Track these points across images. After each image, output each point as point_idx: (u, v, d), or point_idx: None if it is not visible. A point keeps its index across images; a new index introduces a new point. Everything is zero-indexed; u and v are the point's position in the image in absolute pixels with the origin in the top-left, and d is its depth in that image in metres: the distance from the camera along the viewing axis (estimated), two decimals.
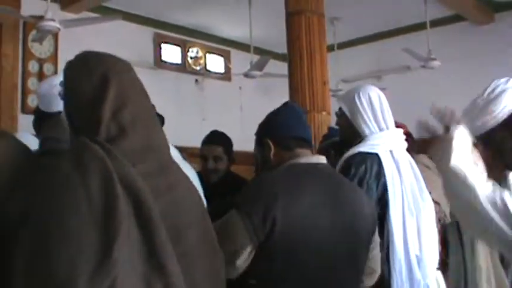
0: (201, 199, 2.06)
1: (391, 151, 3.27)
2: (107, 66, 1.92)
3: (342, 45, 11.32)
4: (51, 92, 2.87)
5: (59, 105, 2.53)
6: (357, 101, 3.32)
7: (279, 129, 2.76)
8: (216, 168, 4.46)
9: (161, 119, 3.90)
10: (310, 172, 2.63)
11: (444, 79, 9.80)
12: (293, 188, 2.50)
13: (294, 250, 2.42)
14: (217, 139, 4.58)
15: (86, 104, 1.87)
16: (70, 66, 2.01)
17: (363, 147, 3.24)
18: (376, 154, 3.21)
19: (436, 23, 10.19)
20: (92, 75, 1.90)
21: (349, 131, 3.39)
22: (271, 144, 2.72)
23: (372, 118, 3.29)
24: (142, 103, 1.94)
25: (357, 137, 3.31)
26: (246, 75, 9.71)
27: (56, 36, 8.63)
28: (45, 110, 2.92)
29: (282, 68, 8.44)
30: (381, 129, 3.30)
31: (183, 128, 9.50)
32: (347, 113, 3.38)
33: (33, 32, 8.03)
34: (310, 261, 2.45)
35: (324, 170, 2.73)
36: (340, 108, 3.45)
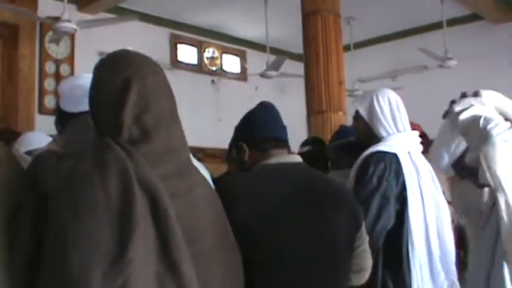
0: (219, 201, 2.05)
1: (408, 152, 3.27)
2: (132, 69, 1.93)
3: (358, 45, 11.29)
4: (74, 92, 2.83)
5: (81, 106, 2.48)
6: (375, 103, 3.32)
7: (253, 131, 2.73)
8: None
9: None
10: (276, 172, 2.56)
11: (461, 78, 9.70)
12: (252, 191, 2.45)
13: (255, 259, 2.24)
14: None
15: (109, 106, 1.89)
16: (99, 66, 2.02)
17: (381, 147, 3.24)
18: (395, 154, 3.21)
19: (452, 22, 10.14)
20: (116, 78, 1.91)
21: (366, 133, 3.38)
22: (245, 147, 2.70)
23: (390, 120, 3.29)
24: (166, 105, 1.96)
25: (374, 138, 3.31)
26: (262, 75, 9.71)
27: (72, 37, 8.65)
28: (67, 110, 2.92)
29: (298, 68, 8.43)
30: (398, 131, 3.30)
31: (200, 128, 9.51)
32: (364, 115, 3.37)
33: (50, 33, 8.06)
34: (272, 266, 2.37)
35: (295, 168, 2.64)
36: (357, 111, 3.44)
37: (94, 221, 1.61)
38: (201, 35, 11.17)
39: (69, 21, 6.92)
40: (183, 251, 1.69)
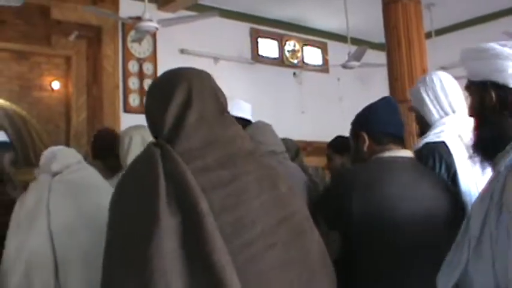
0: (283, 186, 2.07)
1: (459, 136, 3.10)
2: (177, 76, 2.16)
3: (440, 32, 11.06)
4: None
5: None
6: (420, 88, 3.22)
7: (375, 124, 2.88)
8: None
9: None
10: (391, 166, 2.74)
11: None
12: (370, 181, 2.64)
13: (370, 241, 2.57)
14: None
15: (156, 108, 2.10)
16: (154, 82, 2.33)
17: (429, 137, 3.09)
18: (443, 142, 3.05)
19: None
20: (164, 83, 2.16)
21: (421, 123, 3.27)
22: (366, 137, 2.86)
23: (435, 102, 3.14)
24: (210, 105, 2.10)
25: (428, 127, 3.18)
26: (344, 66, 9.63)
27: (154, 35, 8.77)
28: None
29: (380, 57, 8.33)
30: (446, 114, 3.13)
31: (283, 121, 9.48)
32: (413, 103, 3.31)
33: (132, 33, 8.22)
34: (383, 252, 2.56)
35: (407, 163, 2.80)
36: (412, 104, 3.37)
37: (122, 218, 1.87)
38: (281, 28, 11.16)
39: (150, 20, 7.01)
40: (214, 242, 1.73)
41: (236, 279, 1.72)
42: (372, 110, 2.93)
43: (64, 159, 3.23)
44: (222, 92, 2.19)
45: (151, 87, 2.25)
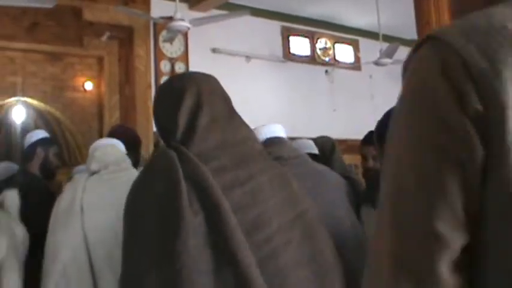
0: (289, 186, 2.12)
1: None
2: (186, 80, 2.20)
3: None
4: None
5: None
6: None
7: None
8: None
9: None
10: None
11: None
12: None
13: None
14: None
15: (167, 113, 2.12)
16: (161, 84, 2.37)
17: None
18: None
19: None
20: (173, 87, 2.19)
21: None
22: None
23: None
24: (220, 107, 2.14)
25: None
26: (376, 63, 9.57)
27: (185, 35, 8.80)
28: None
29: None
30: None
31: (314, 119, 9.49)
32: None
33: (164, 33, 8.23)
34: None
35: None
36: None
37: (145, 219, 1.89)
38: (313, 26, 11.13)
39: (182, 20, 7.02)
40: (237, 240, 1.79)
41: (260, 275, 1.77)
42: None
43: (103, 158, 3.23)
44: (227, 95, 2.23)
45: (160, 91, 2.29)
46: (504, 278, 0.98)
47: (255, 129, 2.47)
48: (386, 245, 1.04)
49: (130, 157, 3.49)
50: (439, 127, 1.02)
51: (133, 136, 4.30)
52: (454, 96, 1.01)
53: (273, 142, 3.46)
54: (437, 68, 1.07)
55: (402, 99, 1.17)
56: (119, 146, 3.48)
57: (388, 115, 2.88)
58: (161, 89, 2.29)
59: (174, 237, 1.76)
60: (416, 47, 1.22)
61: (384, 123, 2.89)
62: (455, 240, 1.00)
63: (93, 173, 3.19)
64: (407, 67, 1.25)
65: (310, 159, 3.50)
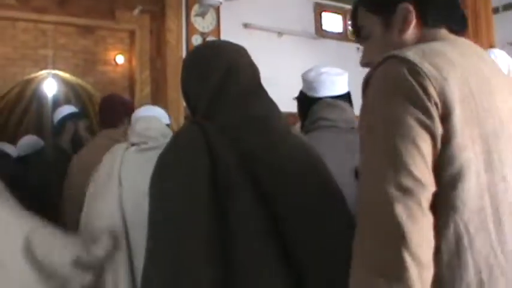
0: (310, 160, 2.13)
1: None
2: (213, 53, 2.16)
3: (508, 7, 10.77)
4: (319, 78, 3.50)
5: (325, 91, 3.45)
6: None
7: None
8: None
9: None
10: None
11: None
12: None
13: None
14: None
15: (193, 87, 2.15)
16: (188, 54, 2.35)
17: None
18: None
19: None
20: (200, 61, 2.17)
21: None
22: None
23: None
24: (246, 82, 2.12)
25: None
26: None
27: (217, 10, 8.74)
28: (312, 95, 3.45)
29: None
30: None
31: None
32: None
33: (196, 7, 8.21)
34: None
35: None
36: None
37: (172, 190, 1.89)
38: (345, 3, 11.01)
39: None
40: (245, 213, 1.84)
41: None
42: None
43: (144, 133, 3.23)
44: (257, 68, 2.22)
45: (188, 61, 2.27)
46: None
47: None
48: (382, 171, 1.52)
49: None
50: (416, 107, 1.52)
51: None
52: (421, 90, 1.53)
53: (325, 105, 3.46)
54: (405, 72, 1.58)
55: (375, 98, 1.71)
56: (161, 117, 3.49)
57: None
58: (190, 59, 2.27)
59: (197, 221, 1.80)
60: (377, 65, 1.78)
61: None
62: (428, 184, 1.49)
63: (132, 145, 3.21)
64: (369, 81, 1.82)
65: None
